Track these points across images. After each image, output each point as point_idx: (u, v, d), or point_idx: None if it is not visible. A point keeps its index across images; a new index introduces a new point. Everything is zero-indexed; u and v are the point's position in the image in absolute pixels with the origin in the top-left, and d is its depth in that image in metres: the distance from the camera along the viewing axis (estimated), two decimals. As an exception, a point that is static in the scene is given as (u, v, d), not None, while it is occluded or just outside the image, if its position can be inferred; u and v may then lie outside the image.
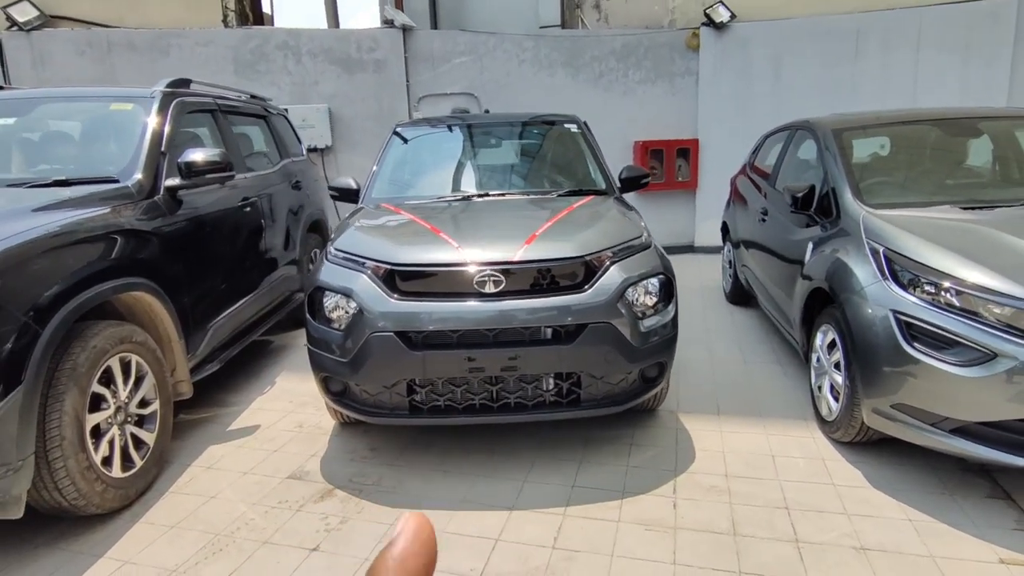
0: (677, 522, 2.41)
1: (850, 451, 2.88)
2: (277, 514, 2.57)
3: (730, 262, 5.46)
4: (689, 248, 7.77)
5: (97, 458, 2.48)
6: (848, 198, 3.14)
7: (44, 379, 2.27)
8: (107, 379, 2.60)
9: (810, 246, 3.31)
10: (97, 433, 2.52)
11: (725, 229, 5.69)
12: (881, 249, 2.68)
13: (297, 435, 3.26)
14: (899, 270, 2.57)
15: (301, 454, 3.06)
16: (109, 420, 2.60)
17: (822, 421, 3.07)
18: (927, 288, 2.44)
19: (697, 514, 2.46)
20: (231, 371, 4.10)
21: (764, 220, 4.30)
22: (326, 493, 2.71)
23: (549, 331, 2.61)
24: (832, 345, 2.94)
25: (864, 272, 2.71)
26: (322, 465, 2.94)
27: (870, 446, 2.87)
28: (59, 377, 2.34)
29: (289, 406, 3.63)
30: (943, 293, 2.39)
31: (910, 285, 2.51)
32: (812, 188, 3.43)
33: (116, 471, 2.58)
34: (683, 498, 2.57)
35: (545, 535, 2.36)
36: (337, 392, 2.78)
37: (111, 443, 2.59)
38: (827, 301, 3.07)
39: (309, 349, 2.83)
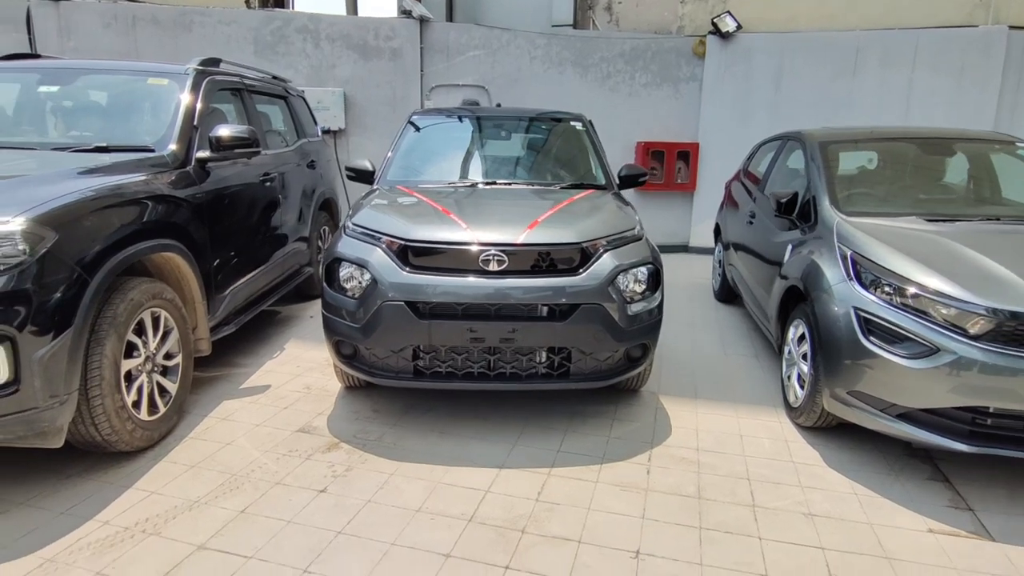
0: (649, 485, 2.69)
1: (811, 435, 3.16)
2: (288, 461, 2.83)
3: (720, 262, 5.73)
4: (684, 248, 8.05)
5: (128, 400, 2.74)
6: (826, 205, 3.42)
7: (89, 324, 2.52)
8: (139, 330, 2.85)
9: (789, 248, 3.58)
10: (129, 378, 2.78)
11: (717, 231, 5.97)
12: (849, 252, 2.95)
13: (305, 395, 3.53)
14: (863, 272, 2.84)
15: (309, 412, 3.32)
16: (139, 367, 2.85)
17: (789, 408, 3.35)
18: (886, 289, 2.72)
19: (667, 479, 2.74)
20: (243, 336, 4.36)
21: (752, 223, 4.57)
22: (332, 445, 2.97)
23: (545, 309, 2.88)
24: (802, 338, 3.21)
25: (833, 273, 2.98)
26: (329, 422, 3.21)
27: (829, 431, 3.15)
28: (101, 324, 2.60)
29: (297, 370, 3.90)
30: (899, 294, 2.66)
31: (871, 285, 2.78)
32: (795, 195, 3.70)
33: (143, 414, 2.84)
34: (656, 466, 2.85)
35: (530, 490, 2.63)
36: (348, 355, 3.05)
37: (140, 388, 2.84)
38: (800, 298, 3.34)
39: (324, 315, 3.09)
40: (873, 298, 2.74)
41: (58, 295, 2.38)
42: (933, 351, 2.49)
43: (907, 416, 2.59)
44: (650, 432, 3.17)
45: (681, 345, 4.49)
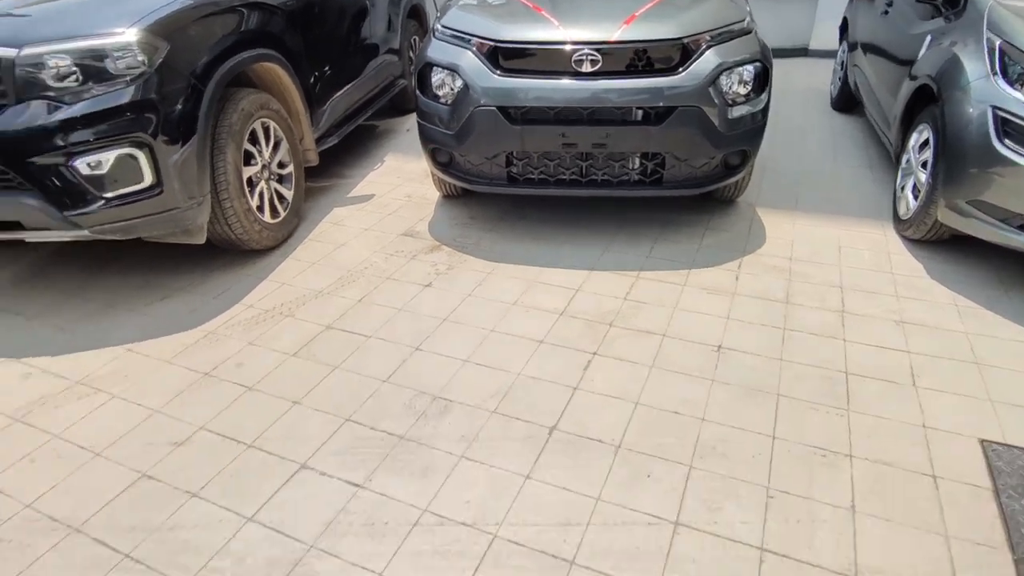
0: (737, 289, 2.75)
1: (917, 247, 3.03)
2: (395, 260, 3.10)
3: (842, 63, 5.13)
4: (803, 51, 7.21)
5: (253, 204, 3.03)
6: (982, -15, 2.89)
7: (210, 132, 2.73)
8: (253, 140, 3.06)
9: (927, 40, 3.13)
10: (251, 184, 3.05)
11: (844, 27, 5.25)
12: (998, 43, 2.56)
13: (406, 203, 3.73)
14: (1011, 65, 2.48)
15: (411, 218, 3.54)
16: (258, 175, 3.10)
17: (898, 220, 3.18)
18: (1037, 83, 2.38)
19: (756, 285, 2.78)
20: (346, 149, 4.55)
21: (887, 12, 3.98)
22: (434, 248, 3.20)
23: (640, 112, 2.78)
24: (924, 145, 2.94)
25: (974, 67, 2.62)
26: (430, 227, 3.42)
27: (938, 245, 3.00)
28: (220, 132, 2.80)
29: (397, 181, 4.08)
30: (1052, 88, 2.33)
31: (1018, 81, 2.44)
32: (945, -27, 3.15)
33: (267, 217, 3.15)
34: (746, 273, 2.88)
35: (619, 289, 2.77)
36: (443, 163, 3.14)
37: (261, 195, 3.12)
38: (930, 100, 3.00)
39: (419, 122, 3.14)
40: (1018, 95, 2.42)
41: (179, 106, 2.57)
42: (1079, 153, 2.23)
43: (1031, 226, 2.41)
44: (743, 241, 3.15)
45: (787, 154, 4.24)
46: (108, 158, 2.43)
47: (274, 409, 2.15)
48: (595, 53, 2.73)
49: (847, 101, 5.02)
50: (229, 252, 3.16)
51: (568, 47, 2.75)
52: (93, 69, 2.38)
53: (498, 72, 2.83)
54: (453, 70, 2.91)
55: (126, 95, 2.42)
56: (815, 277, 2.83)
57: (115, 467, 1.94)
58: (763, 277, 2.83)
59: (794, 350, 2.34)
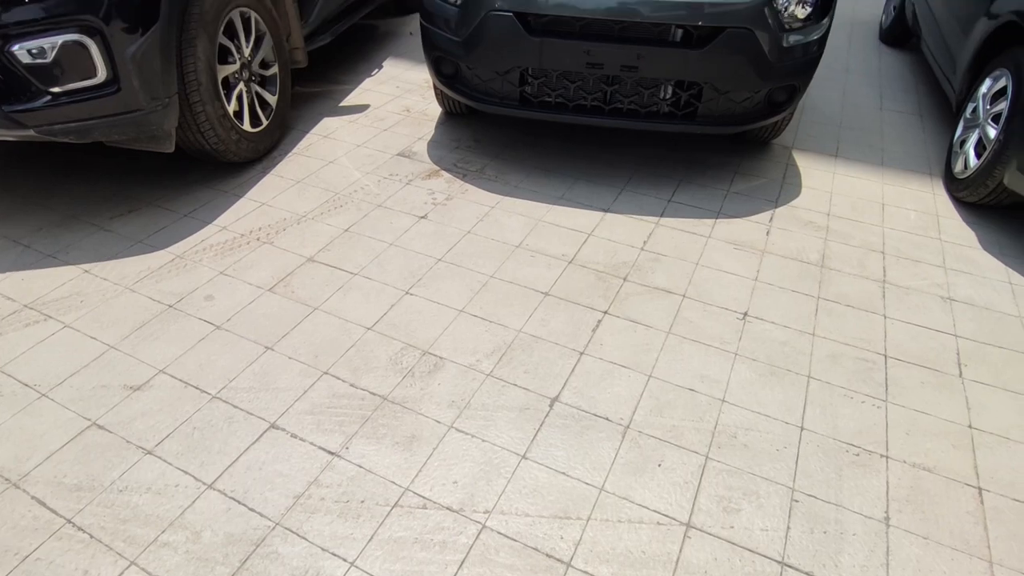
0: (767, 247, 2.47)
1: (970, 212, 2.72)
2: (388, 184, 2.78)
3: (900, -11, 4.58)
4: (851, -29, 6.51)
5: (230, 109, 2.66)
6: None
7: (176, 19, 2.33)
8: (231, 33, 2.64)
9: (1020, -32, 2.68)
10: (228, 86, 2.66)
11: (908, -55, 4.65)
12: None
13: (404, 118, 3.35)
14: None
15: (409, 136, 3.18)
16: (236, 75, 2.71)
17: (951, 179, 2.85)
18: None
19: (789, 243, 2.49)
20: (340, 51, 4.09)
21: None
22: (432, 173, 2.87)
23: (679, 32, 2.38)
24: (998, 95, 2.57)
25: (1082, 4, 2.22)
26: (428, 148, 3.07)
27: (994, 212, 2.70)
28: (189, 20, 2.39)
29: (396, 91, 3.67)
30: None
31: None
32: None
33: (247, 125, 2.78)
34: (777, 227, 2.58)
35: (635, 237, 2.48)
36: (448, 75, 2.75)
37: (240, 99, 2.74)
38: (1012, 42, 2.60)
39: (422, 25, 2.73)
40: None
41: (139, -14, 2.16)
42: None
43: (1118, 201, 2.11)
44: (776, 190, 2.83)
45: (829, 94, 3.82)
46: (52, 44, 2.05)
47: (244, 354, 1.91)
48: (635, -45, 2.29)
49: (900, 34, 4.52)
50: (205, 164, 2.82)
51: (604, -55, 2.31)
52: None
53: (518, -30, 2.40)
54: (466, -35, 2.47)
55: (71, -31, 2.01)
56: (855, 238, 2.54)
57: (62, 411, 1.72)
58: (797, 234, 2.54)
59: (828, 324, 2.10)
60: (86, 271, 2.23)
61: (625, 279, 2.26)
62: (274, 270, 2.25)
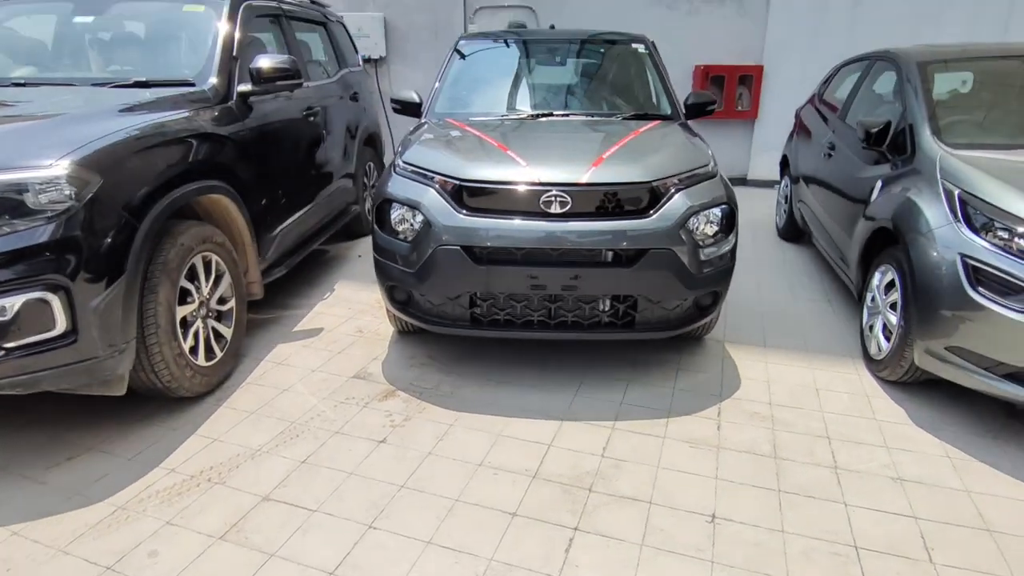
0: (720, 442, 2.55)
1: (895, 389, 2.94)
2: (345, 409, 2.78)
3: (786, 197, 5.36)
4: (742, 181, 7.60)
5: (185, 346, 2.70)
6: (926, 136, 3.04)
7: (141, 271, 2.45)
8: (192, 275, 2.78)
9: (878, 184, 3.24)
10: (185, 324, 2.73)
11: (784, 163, 5.55)
12: (956, 191, 2.63)
13: (358, 339, 3.46)
14: (973, 213, 2.53)
15: (363, 357, 3.26)
16: (194, 313, 2.80)
17: (869, 360, 3.12)
18: (1000, 234, 2.41)
19: (740, 436, 2.59)
20: (292, 277, 4.30)
21: (830, 155, 4.19)
22: (389, 393, 2.91)
23: (610, 254, 2.68)
24: (890, 286, 2.94)
25: (935, 213, 2.67)
26: (384, 368, 3.14)
27: (915, 386, 2.93)
28: (153, 270, 2.52)
29: (348, 312, 3.83)
30: (1017, 239, 2.36)
31: (983, 229, 2.47)
32: (888, 124, 3.32)
33: (201, 360, 2.81)
34: (727, 421, 2.70)
35: (595, 444, 2.52)
36: (401, 301, 2.93)
37: (196, 334, 2.80)
38: (889, 242, 3.04)
39: (375, 259, 2.96)
40: (984, 243, 2.44)
41: (108, 241, 2.30)
42: (1055, 305, 2.21)
43: (1016, 376, 2.35)
44: (718, 384, 3.00)
45: (746, 287, 4.24)
46: (13, 304, 2.10)
47: (190, 620, 1.73)
48: (564, 195, 2.65)
49: (794, 231, 5.19)
50: (155, 400, 2.77)
51: (536, 188, 2.67)
52: (9, 203, 2.11)
53: (463, 211, 2.71)
54: (414, 207, 2.77)
55: (44, 233, 2.13)
56: (798, 425, 2.67)
57: None
58: (746, 427, 2.65)
59: (795, 519, 2.12)
60: (15, 533, 2.04)
61: (591, 490, 2.25)
62: (226, 514, 2.13)
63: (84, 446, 2.50)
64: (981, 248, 2.43)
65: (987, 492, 2.26)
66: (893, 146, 3.28)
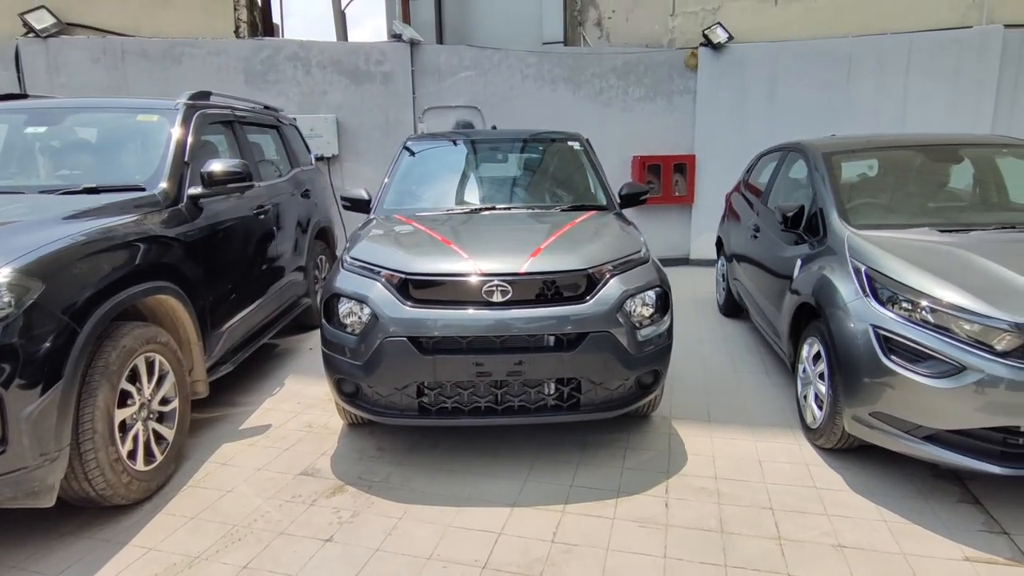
0: (669, 520, 2.58)
1: (832, 457, 3.05)
2: (291, 507, 2.72)
3: (723, 275, 5.65)
4: (685, 261, 7.97)
5: (123, 451, 2.62)
6: (835, 218, 3.34)
7: (80, 375, 2.42)
8: (133, 377, 2.74)
9: (798, 263, 3.50)
10: (123, 428, 2.67)
11: (719, 243, 5.89)
12: (863, 268, 2.87)
13: (307, 435, 3.41)
14: (879, 288, 2.75)
15: (311, 452, 3.21)
16: (134, 416, 2.74)
17: (807, 429, 3.25)
18: (904, 305, 2.63)
19: (687, 513, 2.62)
20: (241, 373, 4.24)
21: (756, 236, 4.49)
22: (337, 489, 2.86)
23: (552, 339, 2.78)
24: (817, 356, 3.12)
25: (847, 289, 2.89)
26: (332, 463, 3.09)
27: (851, 453, 3.05)
28: (92, 374, 2.49)
29: (298, 407, 3.79)
30: (919, 310, 2.57)
31: (889, 302, 2.69)
32: (802, 208, 3.63)
33: (139, 464, 2.72)
34: (675, 498, 2.74)
35: (545, 530, 2.52)
36: (350, 393, 2.94)
37: (135, 438, 2.73)
38: (813, 315, 3.25)
39: (324, 352, 2.99)
40: (891, 315, 2.65)
41: (47, 347, 2.28)
42: (958, 369, 2.40)
43: (934, 438, 2.49)
44: (665, 461, 3.06)
45: (689, 364, 4.39)
46: (-59, 415, 2.04)
47: None
48: (505, 284, 2.78)
49: (733, 307, 5.45)
50: (86, 510, 2.65)
51: (478, 278, 2.79)
52: (-57, 311, 2.10)
53: (408, 303, 2.80)
54: (362, 301, 2.85)
55: (-21, 341, 2.12)
56: (744, 498, 2.73)
57: None
58: (693, 503, 2.70)
59: (742, 594, 2.14)
60: (-81, 671, 1.89)
61: (541, 577, 2.24)
62: (159, 630, 2.02)
63: (5, 565, 2.35)
64: (889, 319, 2.64)
65: (922, 554, 2.33)
66: (808, 228, 3.57)
